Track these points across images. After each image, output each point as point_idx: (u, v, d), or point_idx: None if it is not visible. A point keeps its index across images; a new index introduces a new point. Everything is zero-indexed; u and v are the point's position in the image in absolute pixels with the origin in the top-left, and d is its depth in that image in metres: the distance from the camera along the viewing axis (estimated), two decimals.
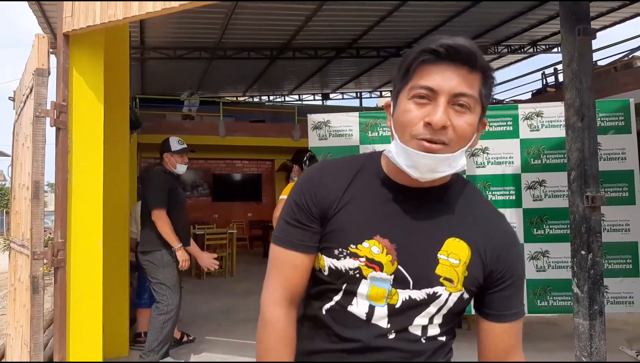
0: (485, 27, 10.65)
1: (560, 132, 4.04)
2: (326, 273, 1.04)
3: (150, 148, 11.22)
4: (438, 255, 1.00)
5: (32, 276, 2.83)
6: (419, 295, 1.00)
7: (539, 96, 12.00)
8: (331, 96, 17.87)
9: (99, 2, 2.90)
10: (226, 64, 11.80)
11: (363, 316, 1.02)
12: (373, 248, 1.00)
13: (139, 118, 5.79)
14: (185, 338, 4.71)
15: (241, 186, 15.15)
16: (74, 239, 2.97)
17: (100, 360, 3.03)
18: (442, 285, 1.00)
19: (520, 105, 4.49)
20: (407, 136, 0.96)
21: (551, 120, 4.29)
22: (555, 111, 4.25)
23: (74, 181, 2.99)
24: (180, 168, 4.10)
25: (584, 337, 2.44)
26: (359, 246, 1.00)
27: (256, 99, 17.96)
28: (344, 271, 1.02)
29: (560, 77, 12.14)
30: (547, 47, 12.41)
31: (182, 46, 10.51)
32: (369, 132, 4.41)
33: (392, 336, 1.02)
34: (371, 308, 1.02)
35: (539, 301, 4.18)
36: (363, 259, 1.00)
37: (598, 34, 11.81)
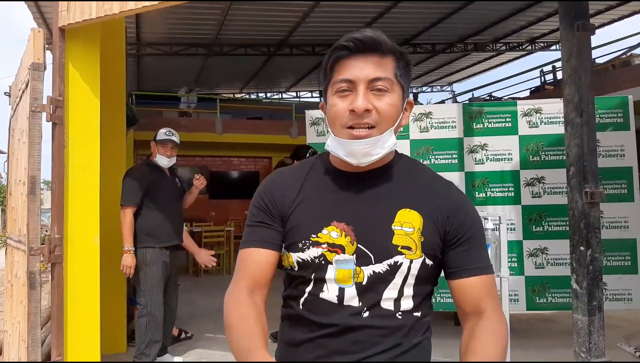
0: (484, 24, 10.64)
1: (559, 129, 4.03)
2: (296, 268, 1.11)
3: (147, 145, 11.16)
4: (392, 227, 1.07)
5: (29, 272, 2.82)
6: (381, 267, 1.06)
7: (537, 93, 12.01)
8: None
9: None
10: (223, 60, 11.76)
11: (334, 299, 1.07)
12: (332, 233, 1.07)
13: (135, 115, 5.73)
14: (183, 335, 4.70)
15: (238, 183, 15.13)
16: (70, 235, 2.95)
17: (98, 357, 3.02)
18: (401, 253, 1.06)
19: (519, 101, 4.49)
20: (338, 127, 1.06)
21: (550, 116, 4.28)
22: (554, 107, 4.24)
23: (70, 177, 2.97)
24: (160, 160, 3.85)
25: (582, 332, 2.44)
26: (319, 234, 1.08)
27: (253, 96, 17.92)
28: (310, 260, 1.08)
29: (559, 75, 12.15)
30: (545, 44, 12.41)
31: (179, 42, 10.47)
32: None
33: (366, 314, 1.06)
34: (341, 291, 1.07)
35: (537, 298, 4.18)
36: (325, 245, 1.07)
37: (596, 31, 11.79)
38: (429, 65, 14.13)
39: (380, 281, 1.06)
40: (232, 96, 17.19)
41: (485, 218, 2.98)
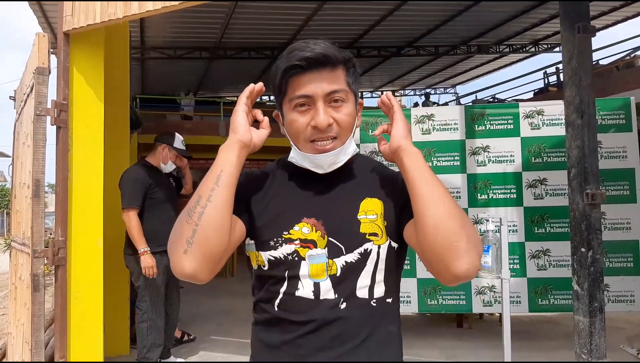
0: (487, 26, 10.65)
1: (561, 131, 4.03)
2: (266, 267, 1.13)
3: (151, 148, 11.20)
4: (358, 216, 1.12)
5: (33, 274, 2.84)
6: (352, 257, 1.11)
7: (541, 95, 11.99)
8: None
9: (99, 1, 2.91)
10: (227, 63, 11.81)
11: (311, 295, 1.09)
12: (303, 229, 1.11)
13: (139, 118, 5.78)
14: (185, 338, 4.72)
15: None
16: (74, 238, 2.98)
17: (101, 358, 3.04)
18: (369, 241, 1.11)
19: (521, 103, 4.49)
20: (302, 142, 1.11)
21: (552, 118, 4.28)
22: (556, 109, 4.24)
23: (74, 180, 2.99)
24: (169, 166, 3.91)
25: (584, 334, 2.44)
26: (291, 231, 1.11)
27: (257, 99, 17.97)
28: (282, 258, 1.11)
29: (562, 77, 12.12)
30: (549, 46, 12.40)
31: (183, 45, 10.53)
32: (369, 130, 4.40)
33: (343, 306, 1.09)
34: (316, 285, 1.10)
35: (540, 299, 4.17)
36: (297, 241, 1.10)
37: (600, 33, 11.82)
38: (433, 67, 14.15)
39: (353, 271, 1.10)
40: (235, 98, 17.25)
41: (486, 220, 2.98)
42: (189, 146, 4.16)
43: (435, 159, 4.37)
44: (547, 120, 4.29)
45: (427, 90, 16.13)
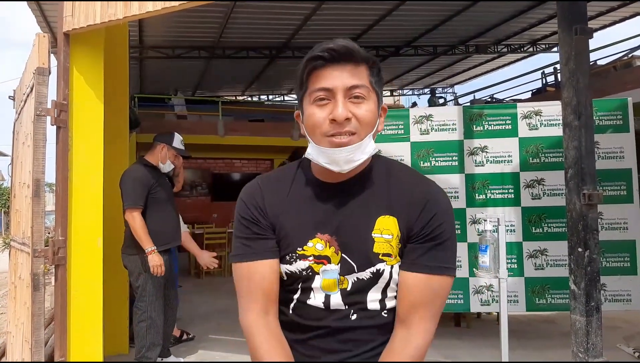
0: (485, 26, 10.66)
1: (559, 131, 4.05)
2: (285, 278, 1.15)
3: (149, 148, 11.21)
4: (372, 235, 1.09)
5: (33, 274, 2.85)
6: (364, 275, 1.10)
7: (539, 95, 12.01)
8: None
9: (99, 1, 2.92)
10: (225, 63, 11.80)
11: (321, 305, 1.12)
12: (317, 245, 1.10)
13: (138, 117, 5.79)
14: (184, 337, 4.73)
15: (240, 185, 14.97)
16: (74, 237, 2.99)
17: (101, 357, 3.05)
18: (382, 261, 1.09)
19: (519, 104, 4.51)
20: (319, 136, 1.07)
21: (550, 119, 4.30)
22: (553, 109, 4.26)
23: (74, 180, 3.01)
24: (168, 166, 3.89)
25: (580, 333, 2.46)
26: (304, 247, 1.11)
27: (255, 99, 17.96)
28: (297, 272, 1.12)
29: (560, 78, 12.13)
30: (547, 46, 12.42)
31: (181, 45, 10.52)
32: None
33: (354, 317, 1.11)
34: (327, 297, 1.12)
35: (537, 299, 4.20)
36: (311, 258, 1.11)
37: (598, 33, 11.84)
38: (431, 67, 14.16)
39: (364, 287, 1.11)
40: (234, 98, 17.23)
41: (484, 220, 3.00)
42: (187, 145, 4.15)
43: (434, 159, 4.39)
44: (544, 121, 4.31)
45: (432, 87, 15.96)
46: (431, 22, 10.12)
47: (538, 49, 12.52)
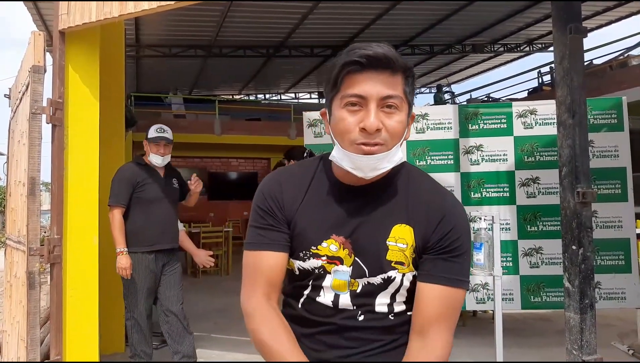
0: (482, 25, 10.70)
1: (554, 130, 4.04)
2: (297, 273, 1.16)
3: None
4: (387, 242, 1.10)
5: (29, 272, 2.85)
6: (375, 280, 1.11)
7: (535, 94, 12.04)
8: None
9: (94, 0, 2.91)
10: (222, 62, 11.80)
11: (330, 304, 1.13)
12: (331, 246, 1.11)
13: (134, 116, 5.77)
14: None
15: (237, 184, 15.16)
16: (69, 235, 2.99)
17: (97, 356, 3.05)
18: (394, 269, 1.10)
19: (514, 103, 4.52)
20: (347, 142, 1.05)
21: (545, 118, 4.32)
22: (548, 108, 4.28)
23: (69, 178, 3.00)
24: (154, 158, 3.66)
25: (574, 330, 2.47)
26: (319, 246, 1.12)
27: (252, 98, 17.95)
28: (310, 270, 1.14)
29: (555, 77, 12.16)
30: (543, 45, 12.47)
31: (178, 43, 10.52)
32: None
33: (361, 318, 1.13)
34: (336, 297, 1.13)
35: (532, 297, 4.21)
36: (324, 257, 1.12)
37: (594, 33, 11.89)
38: (428, 66, 14.20)
39: (374, 291, 1.12)
40: (231, 97, 17.23)
41: (479, 218, 3.02)
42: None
43: (429, 158, 4.40)
44: (539, 119, 4.33)
45: (439, 82, 15.84)
46: (428, 21, 10.15)
47: (534, 49, 12.56)
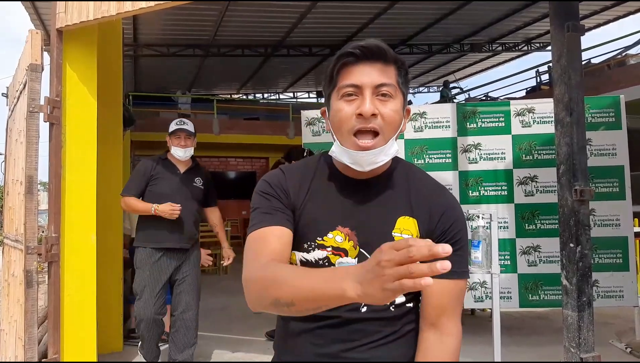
0: (480, 24, 10.70)
1: (552, 128, 4.05)
2: (298, 265, 1.16)
3: (144, 146, 11.22)
4: (392, 233, 1.12)
5: (26, 271, 2.84)
6: None
7: (534, 93, 12.07)
8: None
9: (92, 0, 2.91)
10: (220, 61, 11.79)
11: None
12: (337, 237, 1.13)
13: (132, 115, 5.75)
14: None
15: (235, 184, 15.15)
16: (67, 234, 2.98)
17: (94, 355, 3.05)
18: None
19: (512, 101, 4.53)
20: (345, 134, 1.09)
21: (543, 116, 4.32)
22: (546, 107, 4.27)
23: (67, 176, 3.00)
24: (176, 151, 3.57)
25: (572, 328, 2.47)
26: (324, 238, 1.13)
27: (250, 97, 17.94)
28: (314, 261, 1.14)
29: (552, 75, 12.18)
30: (541, 45, 12.47)
31: (176, 42, 10.50)
32: None
33: (364, 309, 1.14)
34: None
35: (530, 295, 4.22)
36: (330, 248, 1.13)
37: (592, 32, 11.93)
38: (426, 65, 14.20)
39: None
40: (229, 96, 17.22)
41: (477, 216, 3.02)
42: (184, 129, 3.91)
43: (427, 156, 4.40)
44: (537, 118, 4.33)
45: (445, 78, 15.72)
46: (426, 20, 10.15)
47: (532, 48, 12.57)
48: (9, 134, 3.98)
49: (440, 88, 15.75)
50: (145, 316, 3.51)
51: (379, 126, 1.07)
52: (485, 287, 4.22)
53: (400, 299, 1.15)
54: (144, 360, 3.67)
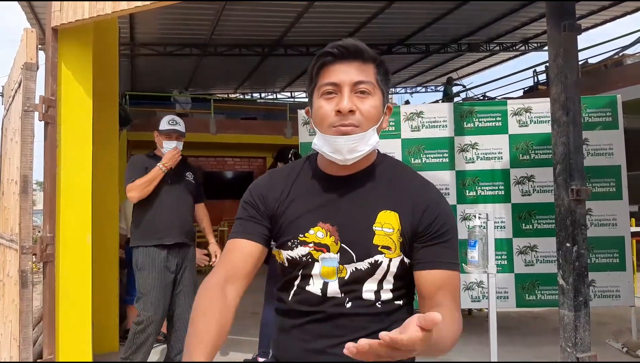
0: (477, 24, 10.70)
1: (549, 128, 4.05)
2: (286, 264, 1.21)
3: (140, 145, 11.17)
4: (373, 227, 1.14)
5: (21, 271, 2.83)
6: (363, 265, 1.15)
7: (531, 93, 12.07)
8: None
9: None
10: (217, 60, 11.76)
11: (319, 292, 1.17)
12: (318, 233, 1.16)
13: (129, 114, 5.74)
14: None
15: (232, 183, 15.10)
16: (62, 234, 2.97)
17: (90, 356, 3.03)
18: (381, 253, 1.14)
19: (509, 101, 4.53)
20: (325, 128, 1.14)
21: (539, 116, 4.32)
22: (543, 106, 4.28)
23: (62, 176, 2.99)
24: (168, 146, 3.46)
25: (569, 327, 2.47)
26: (306, 234, 1.17)
27: (248, 97, 17.92)
28: (298, 258, 1.18)
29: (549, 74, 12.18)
30: (538, 45, 12.48)
31: (173, 42, 10.48)
32: None
33: (349, 305, 1.16)
34: (325, 284, 1.16)
35: (527, 295, 4.22)
36: (311, 244, 1.16)
37: (589, 32, 11.94)
38: (424, 65, 14.20)
39: (361, 277, 1.15)
40: (226, 96, 17.18)
41: (473, 216, 3.01)
42: (179, 131, 3.84)
43: (424, 156, 4.40)
44: (534, 117, 4.34)
45: (449, 75, 15.58)
46: (423, 20, 10.14)
47: (530, 48, 12.58)
48: (4, 133, 3.96)
49: (444, 86, 15.71)
50: (156, 318, 3.35)
51: (358, 122, 1.11)
52: (482, 287, 4.21)
53: (387, 295, 1.16)
54: (144, 360, 3.61)
